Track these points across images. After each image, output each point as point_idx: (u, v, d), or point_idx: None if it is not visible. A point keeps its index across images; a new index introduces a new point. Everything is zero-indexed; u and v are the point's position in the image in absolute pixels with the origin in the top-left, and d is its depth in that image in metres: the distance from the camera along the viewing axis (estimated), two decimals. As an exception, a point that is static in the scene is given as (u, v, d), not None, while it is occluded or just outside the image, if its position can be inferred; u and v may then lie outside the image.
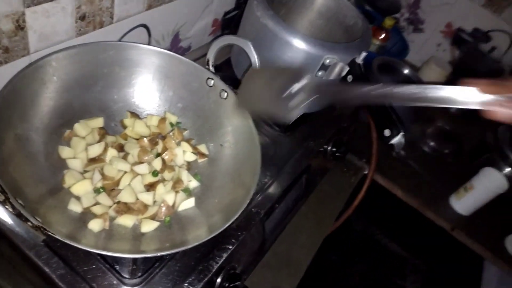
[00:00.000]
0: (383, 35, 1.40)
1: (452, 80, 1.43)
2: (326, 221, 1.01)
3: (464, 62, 1.46)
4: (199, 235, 0.55)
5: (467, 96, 0.39)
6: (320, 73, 0.78)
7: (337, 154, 0.96)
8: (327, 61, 0.76)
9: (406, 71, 1.27)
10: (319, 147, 0.93)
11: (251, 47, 0.68)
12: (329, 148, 0.95)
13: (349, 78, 0.76)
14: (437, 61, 1.42)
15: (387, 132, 0.69)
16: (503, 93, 0.39)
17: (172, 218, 0.62)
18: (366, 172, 1.17)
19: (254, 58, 0.68)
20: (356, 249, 1.79)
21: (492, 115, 0.39)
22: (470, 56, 1.44)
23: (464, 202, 1.16)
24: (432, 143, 1.36)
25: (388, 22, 1.37)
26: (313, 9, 0.97)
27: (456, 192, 1.18)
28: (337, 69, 0.77)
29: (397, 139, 0.68)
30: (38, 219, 0.44)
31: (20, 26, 0.56)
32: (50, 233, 0.44)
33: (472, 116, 1.48)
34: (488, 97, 0.38)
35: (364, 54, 0.75)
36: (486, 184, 1.10)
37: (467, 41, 1.48)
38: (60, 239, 0.44)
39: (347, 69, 0.76)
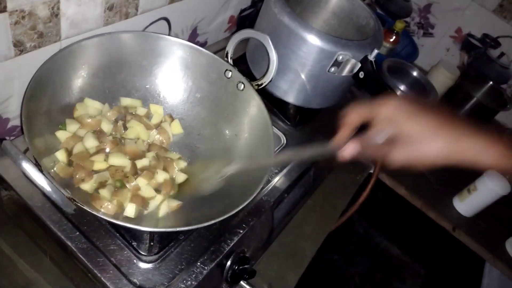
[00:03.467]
0: (393, 38, 1.43)
1: (459, 84, 1.46)
2: (331, 216, 1.03)
3: (473, 67, 1.49)
4: (213, 215, 0.58)
5: (330, 151, 0.55)
6: (332, 69, 0.81)
7: (345, 150, 0.98)
8: (340, 57, 0.79)
9: (415, 74, 1.29)
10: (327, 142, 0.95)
11: (270, 41, 0.71)
12: (338, 144, 0.98)
13: (361, 74, 0.79)
14: (446, 65, 1.44)
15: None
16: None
17: (189, 200, 0.65)
18: (371, 171, 1.20)
19: (272, 52, 0.71)
20: (357, 251, 1.81)
21: (344, 154, 0.53)
22: (479, 61, 1.47)
23: (467, 204, 1.18)
24: (438, 145, 1.38)
25: (399, 25, 1.39)
26: (327, 9, 1.00)
27: (460, 193, 1.20)
28: (349, 66, 0.80)
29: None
30: (68, 191, 0.48)
31: (54, 13, 0.59)
32: (79, 205, 0.47)
33: (479, 119, 1.51)
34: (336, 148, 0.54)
35: (376, 51, 0.78)
36: (490, 186, 1.12)
37: (476, 46, 1.51)
38: (88, 210, 0.47)
39: (359, 65, 0.79)
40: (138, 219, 0.59)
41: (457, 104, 1.49)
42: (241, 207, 0.57)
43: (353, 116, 0.51)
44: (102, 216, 0.48)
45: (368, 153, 0.52)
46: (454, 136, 0.46)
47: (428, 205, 1.19)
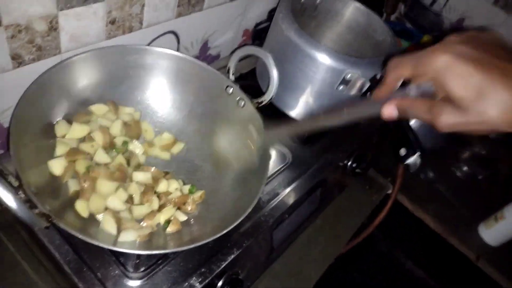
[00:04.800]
0: (420, 53, 1.37)
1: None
2: (342, 237, 0.99)
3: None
4: (200, 237, 0.56)
5: (373, 107, 0.47)
6: (341, 87, 0.78)
7: (357, 170, 0.94)
8: (349, 75, 0.76)
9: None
10: (338, 162, 0.92)
11: (271, 59, 0.69)
12: (349, 163, 0.94)
13: (369, 95, 0.76)
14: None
15: (402, 151, 0.68)
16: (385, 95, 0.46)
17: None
18: (389, 191, 1.14)
19: (273, 70, 0.69)
20: (379, 270, 1.74)
21: (384, 116, 0.45)
22: None
23: (494, 232, 1.10)
24: (465, 168, 1.31)
25: (426, 40, 1.34)
26: (342, 24, 0.97)
27: (486, 221, 1.12)
28: (358, 84, 0.77)
29: (413, 159, 0.67)
30: (47, 207, 0.47)
31: (53, 27, 0.60)
32: (55, 222, 0.47)
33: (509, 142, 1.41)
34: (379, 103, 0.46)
35: (386, 70, 0.74)
36: (518, 215, 1.04)
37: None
38: (65, 228, 0.47)
39: (368, 84, 0.76)
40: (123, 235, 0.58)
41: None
42: (226, 231, 0.55)
43: (397, 71, 0.44)
44: (74, 233, 0.47)
45: (412, 114, 0.44)
46: None
47: (450, 231, 1.12)
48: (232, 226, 0.56)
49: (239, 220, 0.57)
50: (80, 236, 0.48)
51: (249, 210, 0.58)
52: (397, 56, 0.45)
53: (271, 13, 1.08)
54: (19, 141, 0.52)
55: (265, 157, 0.65)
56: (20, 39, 0.57)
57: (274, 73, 0.69)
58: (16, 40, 0.57)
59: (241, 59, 0.76)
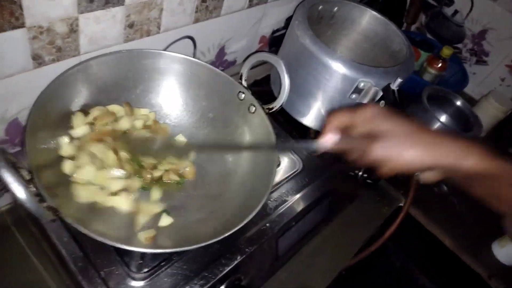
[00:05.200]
0: (439, 64, 1.35)
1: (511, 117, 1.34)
2: (348, 249, 0.98)
3: (530, 100, 1.37)
4: (204, 239, 0.56)
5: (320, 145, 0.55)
6: (353, 95, 0.78)
7: (368, 181, 0.94)
8: (362, 84, 0.75)
9: (459, 103, 1.21)
10: (349, 171, 0.91)
11: (283, 66, 0.69)
12: (360, 173, 0.93)
13: (382, 103, 0.75)
14: (497, 96, 1.33)
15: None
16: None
17: (181, 223, 0.64)
18: (401, 204, 1.12)
19: (284, 76, 0.70)
20: (391, 284, 1.71)
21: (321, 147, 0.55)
22: (536, 94, 1.35)
23: (508, 251, 1.07)
24: (482, 183, 1.28)
25: (446, 51, 1.32)
26: (359, 33, 0.97)
27: (500, 238, 1.10)
28: (371, 93, 0.77)
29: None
30: (55, 201, 0.49)
31: (73, 30, 0.62)
32: (61, 216, 0.48)
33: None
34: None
35: (399, 80, 0.74)
36: (534, 234, 1.01)
37: (534, 78, 1.39)
38: (69, 222, 0.49)
39: (380, 94, 0.75)
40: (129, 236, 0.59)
41: (508, 139, 1.37)
42: (230, 233, 0.55)
43: (335, 119, 0.54)
44: (77, 227, 0.49)
45: (348, 146, 0.53)
46: (431, 141, 0.48)
47: (462, 247, 1.10)
48: (236, 228, 0.56)
49: (244, 222, 0.57)
50: (83, 230, 0.49)
51: (254, 213, 0.58)
52: (337, 110, 0.55)
53: (288, 21, 1.08)
54: (34, 137, 0.54)
55: (272, 163, 0.65)
56: (41, 40, 0.59)
57: (286, 80, 0.69)
58: (38, 41, 0.59)
59: (255, 66, 0.76)
